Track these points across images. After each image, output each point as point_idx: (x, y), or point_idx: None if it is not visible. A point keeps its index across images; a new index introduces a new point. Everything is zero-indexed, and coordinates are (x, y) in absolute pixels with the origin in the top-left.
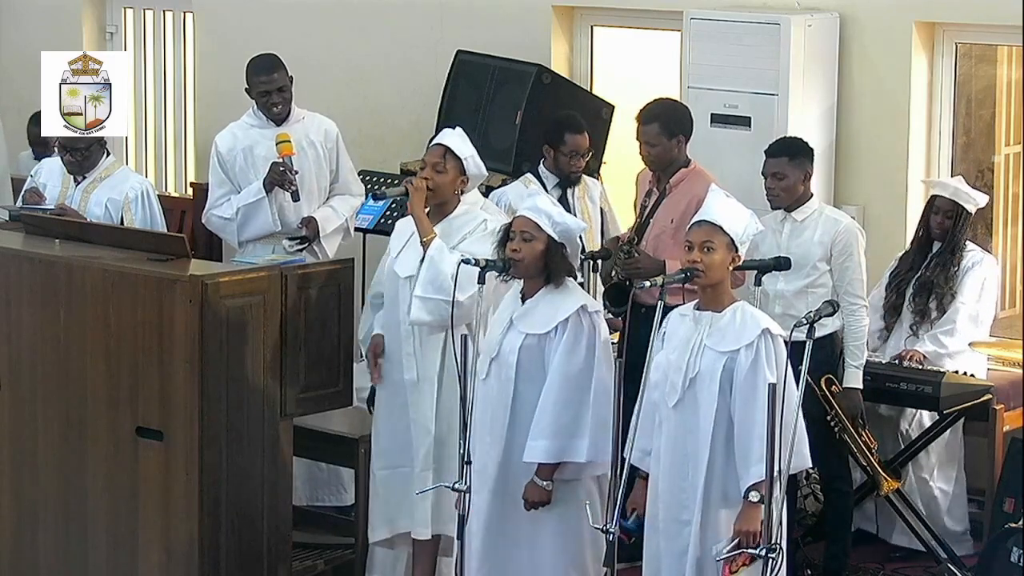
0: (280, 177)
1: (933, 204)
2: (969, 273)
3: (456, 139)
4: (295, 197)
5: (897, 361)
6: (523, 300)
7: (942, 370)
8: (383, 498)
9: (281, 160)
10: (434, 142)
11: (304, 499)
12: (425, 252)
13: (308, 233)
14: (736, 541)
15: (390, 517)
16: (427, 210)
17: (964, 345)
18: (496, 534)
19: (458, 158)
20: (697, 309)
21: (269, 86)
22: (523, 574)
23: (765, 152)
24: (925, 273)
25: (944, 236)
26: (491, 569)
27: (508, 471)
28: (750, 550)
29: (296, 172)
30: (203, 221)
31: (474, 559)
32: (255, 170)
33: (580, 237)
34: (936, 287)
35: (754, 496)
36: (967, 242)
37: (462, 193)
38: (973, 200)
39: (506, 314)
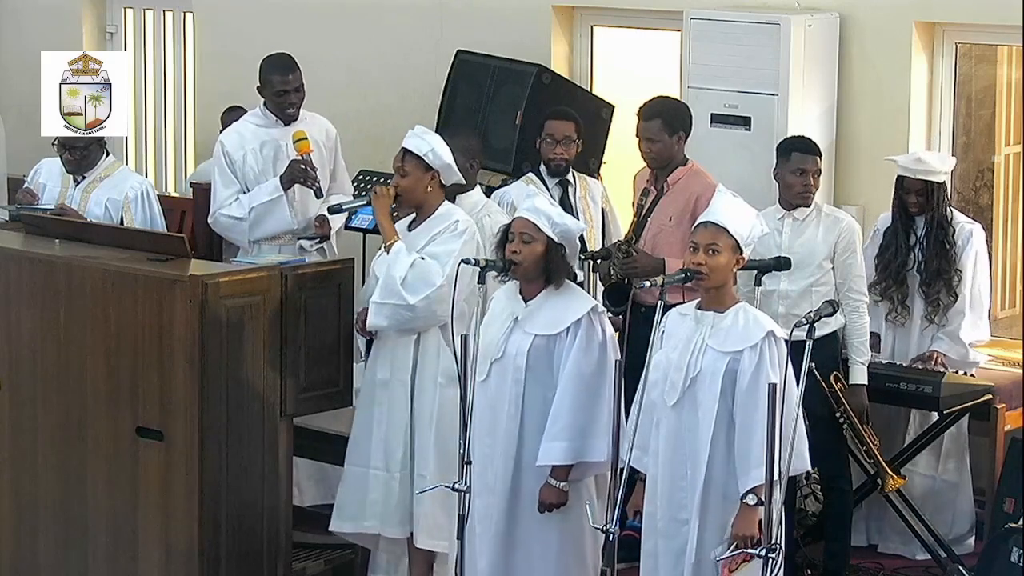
0: (302, 174)
1: (903, 184)
2: (965, 252)
3: (413, 139)
4: (318, 194)
5: (920, 364)
6: (524, 301)
7: (942, 370)
8: (356, 493)
9: (300, 157)
10: None
11: (319, 499)
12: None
13: (325, 232)
14: (734, 544)
15: (353, 514)
16: (412, 216)
17: (980, 328)
18: (508, 536)
19: (417, 156)
20: (699, 309)
21: (287, 86)
22: (534, 574)
23: (793, 149)
24: (925, 257)
25: (924, 214)
26: (503, 571)
27: (519, 473)
28: (750, 550)
29: (316, 169)
30: (209, 222)
31: (485, 561)
32: (262, 169)
33: (580, 237)
34: (943, 273)
35: (751, 499)
36: (952, 211)
37: (442, 188)
38: (939, 170)
39: (505, 315)
